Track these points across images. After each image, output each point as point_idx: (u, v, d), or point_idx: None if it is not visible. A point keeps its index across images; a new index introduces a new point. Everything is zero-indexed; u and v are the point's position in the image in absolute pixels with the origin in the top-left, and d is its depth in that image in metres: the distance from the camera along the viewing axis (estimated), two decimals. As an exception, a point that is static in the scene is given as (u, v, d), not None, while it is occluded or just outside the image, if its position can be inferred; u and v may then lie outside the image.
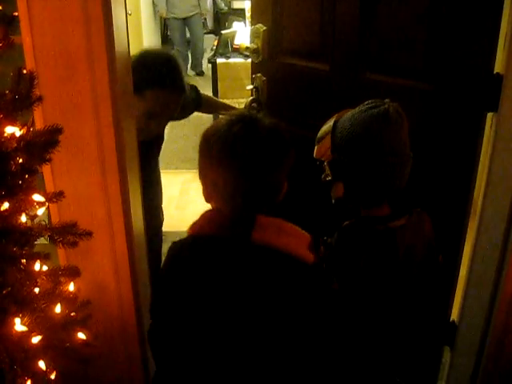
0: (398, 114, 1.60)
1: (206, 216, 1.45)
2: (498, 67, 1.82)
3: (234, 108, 2.99)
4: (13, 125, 1.29)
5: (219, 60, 5.23)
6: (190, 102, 2.54)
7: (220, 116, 1.81)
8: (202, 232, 1.44)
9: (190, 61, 8.47)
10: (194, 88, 2.67)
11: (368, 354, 1.77)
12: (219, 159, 1.35)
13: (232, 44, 5.41)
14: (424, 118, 2.08)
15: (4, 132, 1.27)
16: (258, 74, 2.65)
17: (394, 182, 1.66)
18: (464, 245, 2.16)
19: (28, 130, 1.32)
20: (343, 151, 1.62)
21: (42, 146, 1.29)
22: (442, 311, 2.27)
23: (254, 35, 2.60)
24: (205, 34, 8.34)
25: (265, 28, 2.54)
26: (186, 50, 8.39)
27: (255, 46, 2.59)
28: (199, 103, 2.72)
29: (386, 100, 1.63)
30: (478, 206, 1.98)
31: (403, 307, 1.81)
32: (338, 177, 1.67)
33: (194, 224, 1.46)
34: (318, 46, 2.40)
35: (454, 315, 2.25)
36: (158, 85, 2.13)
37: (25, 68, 1.34)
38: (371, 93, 2.20)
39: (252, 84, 2.71)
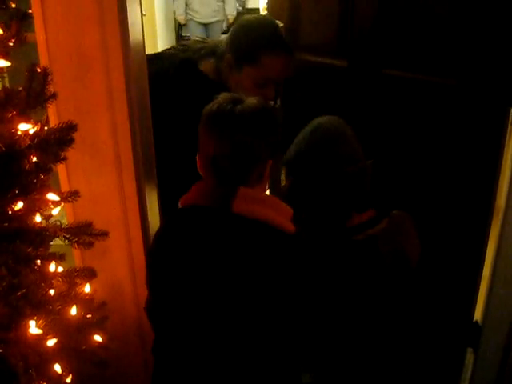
0: (331, 124, 1.64)
1: (194, 187, 1.50)
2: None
3: None
4: (26, 122, 1.26)
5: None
6: None
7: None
8: (189, 202, 1.50)
9: None
10: None
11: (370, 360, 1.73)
12: (209, 127, 1.44)
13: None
14: (445, 114, 2.04)
15: (17, 129, 1.24)
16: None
17: (349, 189, 1.62)
18: (487, 243, 2.11)
19: (42, 128, 1.30)
20: (290, 172, 1.68)
21: (56, 143, 1.27)
22: (465, 312, 2.21)
23: None
24: (221, 34, 8.16)
25: (282, 24, 2.50)
26: None
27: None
28: None
29: (322, 117, 1.67)
30: (502, 203, 1.93)
31: (404, 313, 1.76)
32: (295, 201, 1.63)
33: (185, 195, 1.51)
34: (335, 42, 2.37)
35: (478, 316, 2.19)
36: (272, 47, 2.04)
37: (39, 65, 1.31)
38: (390, 89, 2.18)
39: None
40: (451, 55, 1.97)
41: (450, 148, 2.05)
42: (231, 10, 7.40)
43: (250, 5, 8.36)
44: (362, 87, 2.27)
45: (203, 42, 2.28)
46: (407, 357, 2.43)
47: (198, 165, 1.50)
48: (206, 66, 2.13)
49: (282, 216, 1.43)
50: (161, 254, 1.51)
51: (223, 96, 1.47)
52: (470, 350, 2.26)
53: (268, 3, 2.66)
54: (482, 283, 2.17)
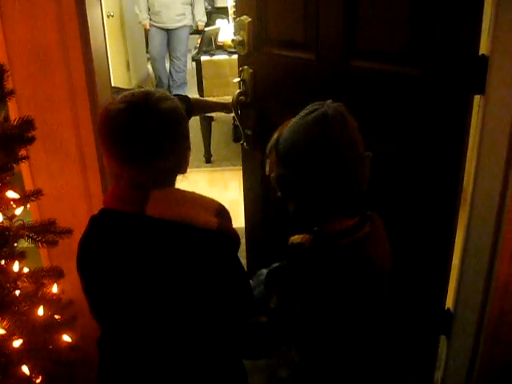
0: (338, 114, 1.42)
1: (111, 189, 1.45)
2: (483, 48, 1.78)
3: (223, 104, 2.94)
4: (-18, 120, 1.25)
5: (203, 58, 5.16)
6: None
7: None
8: (107, 206, 1.45)
9: (170, 78, 7.21)
10: (185, 98, 2.62)
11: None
12: (107, 144, 1.35)
13: (216, 41, 5.35)
14: (412, 104, 2.05)
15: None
16: (245, 67, 2.60)
17: (347, 189, 1.46)
18: (456, 233, 2.13)
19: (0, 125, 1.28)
20: (287, 164, 1.47)
21: (13, 140, 1.24)
22: (437, 300, 2.23)
23: (239, 27, 2.55)
24: (190, 34, 7.89)
25: (249, 19, 2.49)
26: (164, 67, 7.20)
27: (240, 38, 2.54)
28: (189, 111, 2.67)
29: (327, 101, 1.47)
30: (469, 193, 1.95)
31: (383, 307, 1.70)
32: (286, 193, 1.52)
33: (105, 196, 1.47)
34: (302, 35, 2.36)
35: (449, 304, 2.21)
36: None
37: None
38: (358, 80, 2.18)
39: (239, 77, 2.66)
40: (415, 45, 1.98)
41: (418, 137, 2.07)
42: (200, 15, 6.65)
43: (219, 3, 8.20)
44: (331, 79, 2.27)
45: None
46: (383, 346, 2.45)
47: (105, 162, 1.42)
48: None
49: (202, 211, 1.38)
50: (83, 258, 1.47)
51: (118, 101, 1.35)
52: (443, 337, 2.27)
53: (235, -1, 2.65)
54: (452, 272, 2.19)
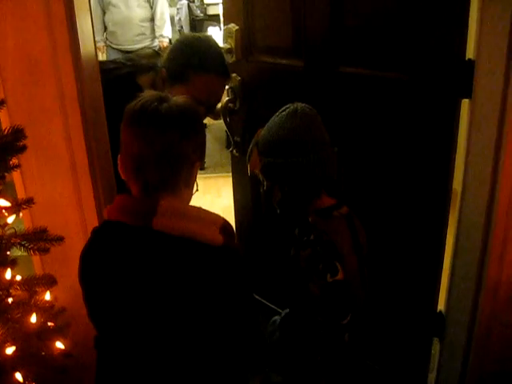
0: (307, 108, 1.69)
1: (117, 199, 1.44)
2: (470, 53, 1.81)
3: (216, 109, 2.95)
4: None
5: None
6: None
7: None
8: (111, 217, 1.43)
9: None
10: None
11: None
12: (132, 126, 1.36)
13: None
14: (400, 108, 2.07)
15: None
16: (233, 74, 2.62)
17: (323, 168, 1.69)
18: (446, 235, 2.14)
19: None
20: (268, 153, 1.69)
21: (4, 149, 1.25)
22: (429, 302, 2.25)
23: (227, 35, 2.58)
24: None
25: (237, 27, 2.52)
26: None
27: (228, 46, 2.57)
28: None
29: (296, 103, 1.71)
30: (458, 196, 1.97)
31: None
32: (271, 179, 1.72)
33: (109, 206, 1.45)
34: (290, 42, 2.38)
35: (441, 306, 2.23)
36: (205, 69, 2.07)
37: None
38: (347, 86, 2.20)
39: (227, 84, 2.68)
40: (402, 50, 2.00)
41: (407, 142, 2.08)
42: (161, 30, 5.60)
43: (211, 11, 8.14)
44: (319, 86, 2.29)
45: (157, 53, 2.29)
46: (374, 349, 2.47)
47: (119, 168, 1.42)
48: (144, 79, 2.13)
49: (208, 227, 1.37)
50: (86, 271, 1.46)
51: (147, 93, 1.40)
52: (436, 339, 2.29)
53: (223, 6, 2.67)
54: (443, 274, 2.20)
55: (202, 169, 4.91)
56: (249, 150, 1.78)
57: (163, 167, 1.36)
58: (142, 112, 1.34)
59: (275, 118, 1.72)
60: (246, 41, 2.54)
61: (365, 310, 1.84)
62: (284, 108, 1.72)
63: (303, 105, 1.71)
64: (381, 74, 2.10)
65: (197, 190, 1.50)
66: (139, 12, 5.47)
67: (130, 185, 1.41)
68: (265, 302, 2.98)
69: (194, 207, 1.42)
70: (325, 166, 1.68)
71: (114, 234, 1.42)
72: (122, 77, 2.10)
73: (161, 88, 2.06)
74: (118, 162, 1.42)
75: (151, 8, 5.55)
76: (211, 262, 1.36)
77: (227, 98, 2.64)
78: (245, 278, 1.44)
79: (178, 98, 1.41)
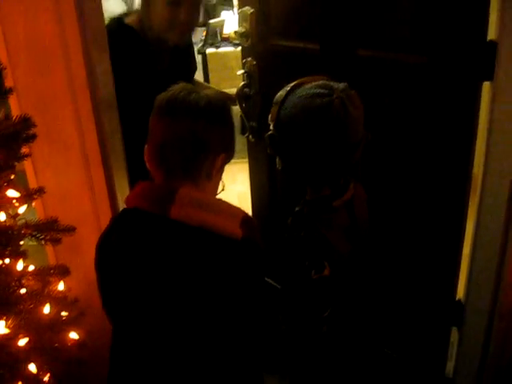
0: (342, 110, 1.49)
1: (137, 186, 1.42)
2: (492, 34, 1.75)
3: (227, 95, 2.92)
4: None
5: (209, 50, 5.12)
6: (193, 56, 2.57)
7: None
8: (130, 205, 1.42)
9: None
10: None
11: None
12: (160, 114, 1.36)
13: (221, 33, 5.31)
14: (419, 92, 2.02)
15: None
16: (249, 59, 2.58)
17: (333, 170, 1.59)
18: (466, 222, 2.09)
19: (-2, 124, 1.27)
20: (280, 129, 1.57)
21: (11, 138, 1.23)
22: (448, 291, 2.21)
23: (242, 18, 2.53)
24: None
25: (252, 10, 2.47)
26: None
27: (243, 30, 2.53)
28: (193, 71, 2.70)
29: (339, 87, 1.52)
30: (479, 181, 1.92)
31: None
32: (274, 151, 1.62)
33: (129, 194, 1.44)
34: (306, 25, 2.33)
35: (460, 294, 2.19)
36: None
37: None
38: (364, 70, 2.15)
39: (243, 69, 2.64)
40: (421, 31, 1.94)
41: (426, 126, 2.03)
42: None
43: None
44: (336, 70, 2.24)
45: None
46: (393, 338, 2.44)
47: (145, 158, 1.41)
48: (131, 18, 2.21)
49: (227, 220, 1.34)
50: (102, 259, 1.44)
51: (178, 85, 1.40)
52: (454, 328, 2.25)
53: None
54: (463, 262, 2.16)
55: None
56: (276, 97, 1.63)
57: (184, 153, 1.33)
58: (170, 101, 1.35)
59: (308, 99, 1.51)
60: (261, 24, 2.49)
61: (359, 298, 1.80)
62: (322, 90, 1.51)
63: (342, 98, 1.50)
64: (399, 56, 2.05)
65: (222, 189, 1.48)
66: None
67: (155, 175, 1.40)
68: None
69: (215, 199, 1.40)
70: (336, 168, 1.59)
71: (130, 222, 1.41)
72: (111, 24, 2.14)
73: (146, 14, 2.17)
74: (145, 151, 1.41)
75: None
76: (228, 255, 1.33)
77: (242, 83, 2.61)
78: (262, 274, 1.42)
79: (207, 90, 1.41)
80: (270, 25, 2.49)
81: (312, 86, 1.54)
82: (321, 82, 1.55)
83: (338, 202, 1.63)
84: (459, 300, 2.18)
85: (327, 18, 2.22)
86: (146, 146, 1.40)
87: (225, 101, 1.44)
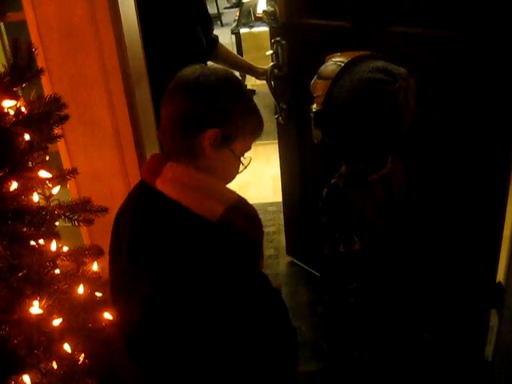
0: (404, 98, 1.48)
1: (148, 160, 1.41)
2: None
3: (251, 67, 2.84)
4: (11, 98, 1.23)
5: (242, 30, 5.07)
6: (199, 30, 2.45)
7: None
8: (141, 176, 1.41)
9: None
10: (213, 39, 2.62)
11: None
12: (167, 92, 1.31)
13: (254, 13, 5.25)
14: (454, 67, 1.95)
15: (2, 107, 1.21)
16: (278, 38, 2.52)
17: (374, 147, 1.57)
18: (507, 204, 2.03)
19: (28, 104, 1.27)
20: (331, 107, 1.52)
21: (43, 118, 1.22)
22: (488, 273, 2.15)
23: None
24: (229, 8, 7.56)
25: (278, -9, 2.41)
26: None
27: (272, 9, 2.47)
28: (211, 52, 2.65)
29: (400, 72, 1.49)
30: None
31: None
32: (319, 127, 1.59)
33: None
34: (338, 1, 2.28)
35: (500, 277, 2.13)
36: None
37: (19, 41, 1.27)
38: (397, 46, 2.09)
39: (272, 49, 2.58)
40: (456, 5, 1.88)
41: (462, 104, 1.97)
42: None
43: None
44: (368, 47, 2.18)
45: None
46: (430, 322, 2.40)
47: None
48: None
49: (208, 201, 1.28)
50: (112, 232, 1.44)
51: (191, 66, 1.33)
52: (494, 311, 2.20)
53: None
54: (503, 243, 2.10)
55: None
56: (327, 71, 1.59)
57: (172, 130, 1.30)
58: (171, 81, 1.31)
59: (370, 83, 1.47)
60: (290, 2, 2.44)
61: (390, 275, 1.76)
62: (385, 76, 1.47)
63: (406, 86, 1.48)
64: (432, 31, 1.98)
65: (245, 167, 1.40)
66: None
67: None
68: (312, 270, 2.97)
69: (207, 179, 1.33)
70: (382, 144, 1.57)
71: (132, 192, 1.42)
72: None
73: None
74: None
75: None
76: (196, 234, 1.27)
77: (272, 63, 2.56)
78: (233, 264, 1.30)
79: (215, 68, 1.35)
80: (300, 3, 2.43)
81: (371, 68, 1.50)
82: (380, 65, 1.50)
83: (374, 177, 1.61)
84: (499, 282, 2.12)
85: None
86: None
87: (221, 78, 1.31)
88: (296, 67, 2.53)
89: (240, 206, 1.33)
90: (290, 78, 2.55)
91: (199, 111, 1.26)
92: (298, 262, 3.13)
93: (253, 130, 1.35)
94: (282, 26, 2.50)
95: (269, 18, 2.49)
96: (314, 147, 2.01)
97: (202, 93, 1.26)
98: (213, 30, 2.65)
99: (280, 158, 2.99)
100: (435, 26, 1.95)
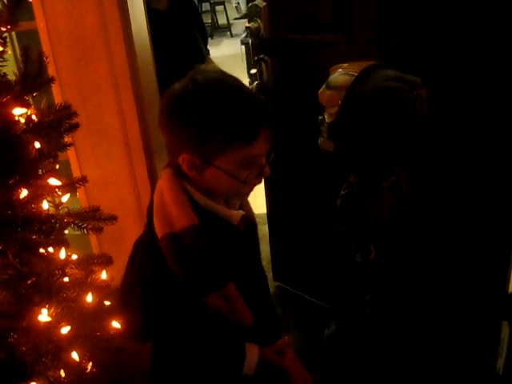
0: (421, 107, 1.50)
1: None
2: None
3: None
4: (22, 106, 1.23)
5: (252, 40, 5.04)
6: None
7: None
8: None
9: None
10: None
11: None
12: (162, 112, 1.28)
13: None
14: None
15: (13, 114, 1.21)
16: (261, 55, 2.42)
17: (388, 155, 1.60)
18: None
19: (39, 112, 1.27)
20: (347, 116, 1.51)
21: (53, 126, 1.23)
22: (500, 284, 2.13)
23: (253, 13, 2.38)
24: (239, 18, 7.49)
25: (265, 3, 2.32)
26: None
27: (256, 25, 2.38)
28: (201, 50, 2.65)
29: (415, 81, 1.50)
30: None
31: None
32: (333, 138, 1.58)
33: None
34: (330, 15, 2.19)
35: (512, 288, 2.12)
36: None
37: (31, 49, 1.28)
38: (397, 60, 2.06)
39: (255, 67, 2.46)
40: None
41: (466, 109, 1.95)
42: None
43: None
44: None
45: None
46: (442, 333, 2.38)
47: None
48: None
49: (158, 218, 1.33)
50: None
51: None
52: (505, 323, 2.18)
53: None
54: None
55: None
56: (338, 81, 1.57)
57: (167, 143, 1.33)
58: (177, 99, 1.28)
59: (388, 93, 1.48)
60: (275, 17, 2.35)
61: (403, 285, 1.78)
62: (403, 84, 1.48)
63: (424, 94, 1.49)
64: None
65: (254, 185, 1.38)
66: None
67: None
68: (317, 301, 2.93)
69: (175, 196, 1.33)
70: (396, 153, 1.60)
71: None
72: None
73: None
74: None
75: None
76: (143, 246, 1.43)
77: (256, 83, 2.46)
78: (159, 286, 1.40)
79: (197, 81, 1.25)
80: (286, 18, 2.34)
81: (386, 77, 1.51)
82: (394, 74, 1.52)
83: (385, 183, 1.63)
84: (511, 294, 2.10)
85: (354, 5, 2.09)
86: None
87: (198, 96, 1.22)
88: (282, 86, 2.45)
89: (181, 238, 1.31)
90: (276, 98, 2.45)
91: (172, 137, 1.27)
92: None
93: (237, 141, 1.23)
94: (265, 42, 2.41)
95: (251, 35, 2.41)
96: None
97: (174, 120, 1.24)
98: (207, 42, 2.66)
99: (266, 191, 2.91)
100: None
